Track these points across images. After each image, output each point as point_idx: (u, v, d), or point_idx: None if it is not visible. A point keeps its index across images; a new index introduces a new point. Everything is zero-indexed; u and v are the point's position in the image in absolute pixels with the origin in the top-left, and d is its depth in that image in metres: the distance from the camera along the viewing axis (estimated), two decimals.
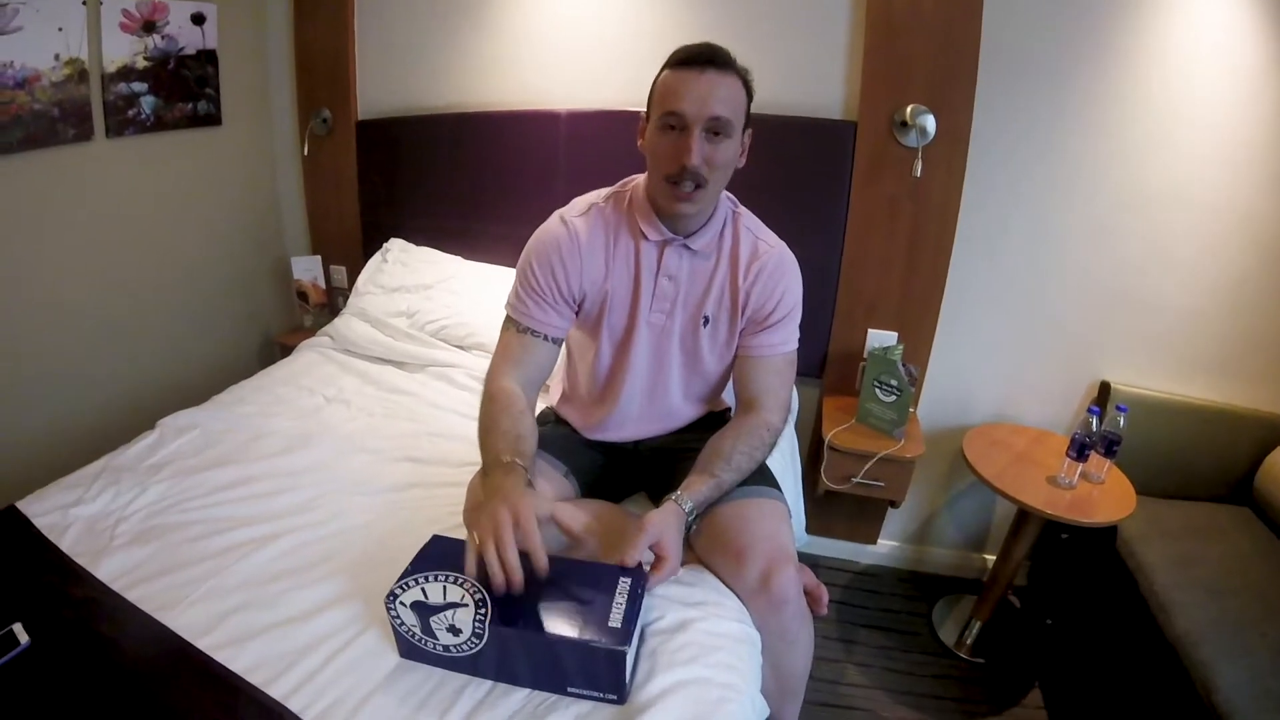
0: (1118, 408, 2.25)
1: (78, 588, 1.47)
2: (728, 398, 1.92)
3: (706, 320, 1.67)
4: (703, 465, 1.56)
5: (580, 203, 1.70)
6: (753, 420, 1.64)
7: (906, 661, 2.54)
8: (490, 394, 1.58)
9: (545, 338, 1.63)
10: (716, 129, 1.46)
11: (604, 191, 1.71)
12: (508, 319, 1.67)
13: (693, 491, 1.50)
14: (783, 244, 1.70)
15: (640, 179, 1.66)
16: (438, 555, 1.36)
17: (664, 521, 1.43)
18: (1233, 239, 2.32)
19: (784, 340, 1.67)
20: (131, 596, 1.44)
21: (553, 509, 1.34)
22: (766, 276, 1.64)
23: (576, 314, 1.69)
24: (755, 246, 1.66)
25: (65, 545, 1.58)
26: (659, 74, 1.52)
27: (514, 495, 1.29)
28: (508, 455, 1.41)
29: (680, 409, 1.81)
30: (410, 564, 1.32)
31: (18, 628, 1.33)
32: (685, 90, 1.44)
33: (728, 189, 1.64)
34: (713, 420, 1.88)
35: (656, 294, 1.65)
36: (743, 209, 1.71)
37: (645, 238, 1.62)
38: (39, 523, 1.64)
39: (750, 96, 1.53)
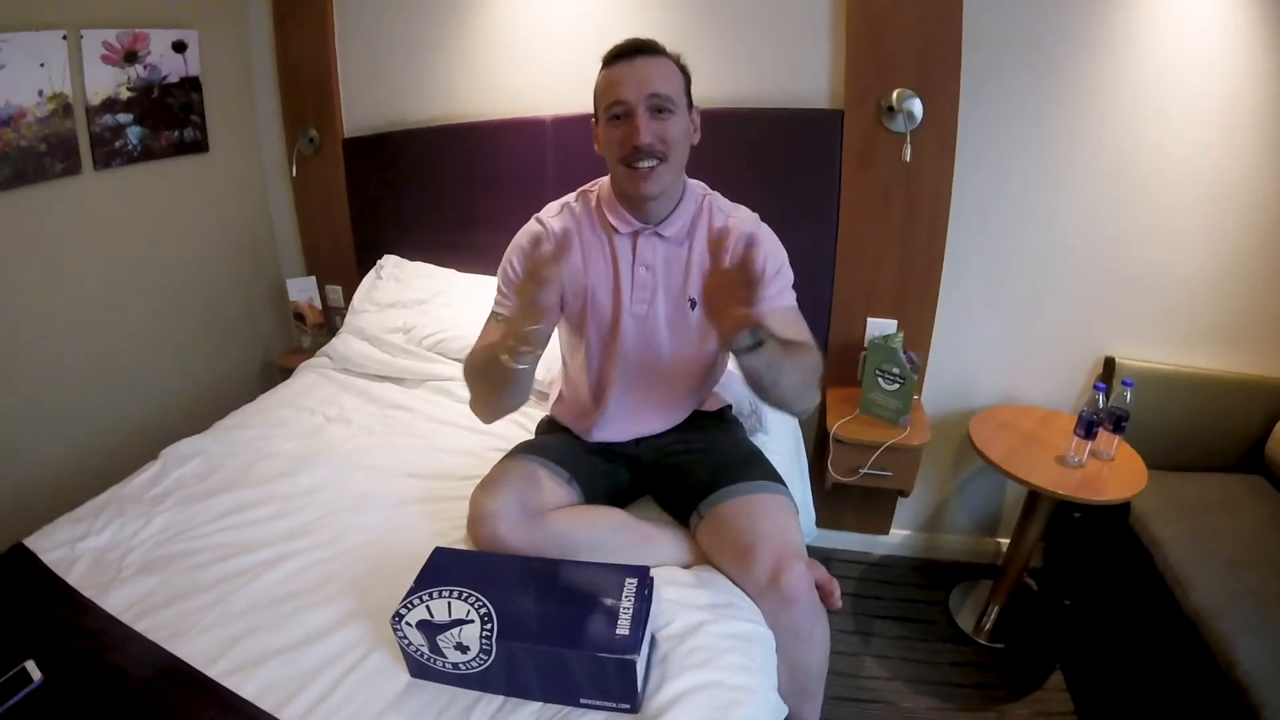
0: (1124, 383, 2.23)
1: (87, 620, 1.47)
2: (725, 394, 1.92)
3: (693, 303, 1.68)
4: None
5: (553, 205, 1.77)
6: None
7: (925, 650, 2.52)
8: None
9: None
10: (659, 105, 1.52)
11: (573, 193, 1.78)
12: (491, 313, 1.72)
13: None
14: (754, 215, 1.74)
15: (605, 179, 1.72)
16: (441, 569, 1.35)
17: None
18: (1230, 207, 2.30)
19: (781, 294, 1.67)
20: (140, 627, 1.44)
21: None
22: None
23: (560, 310, 1.71)
24: (727, 224, 1.68)
25: (73, 579, 1.58)
26: (597, 79, 1.60)
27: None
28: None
29: (675, 400, 1.82)
30: (414, 582, 1.32)
31: (30, 665, 1.33)
32: (622, 79, 1.53)
33: (701, 178, 1.71)
34: (710, 419, 1.89)
35: (635, 284, 1.68)
36: (713, 193, 1.75)
37: (617, 231, 1.66)
38: (46, 558, 1.63)
39: (687, 78, 1.61)
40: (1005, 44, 2.26)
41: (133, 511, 1.81)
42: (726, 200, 1.75)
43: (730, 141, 2.36)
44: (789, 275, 1.70)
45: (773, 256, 1.68)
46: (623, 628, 1.23)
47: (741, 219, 1.70)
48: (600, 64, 1.59)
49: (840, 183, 2.42)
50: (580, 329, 1.74)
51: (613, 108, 1.53)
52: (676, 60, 1.59)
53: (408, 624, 1.25)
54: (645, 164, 1.53)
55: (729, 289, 1.30)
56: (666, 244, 1.67)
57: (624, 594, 1.30)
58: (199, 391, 2.94)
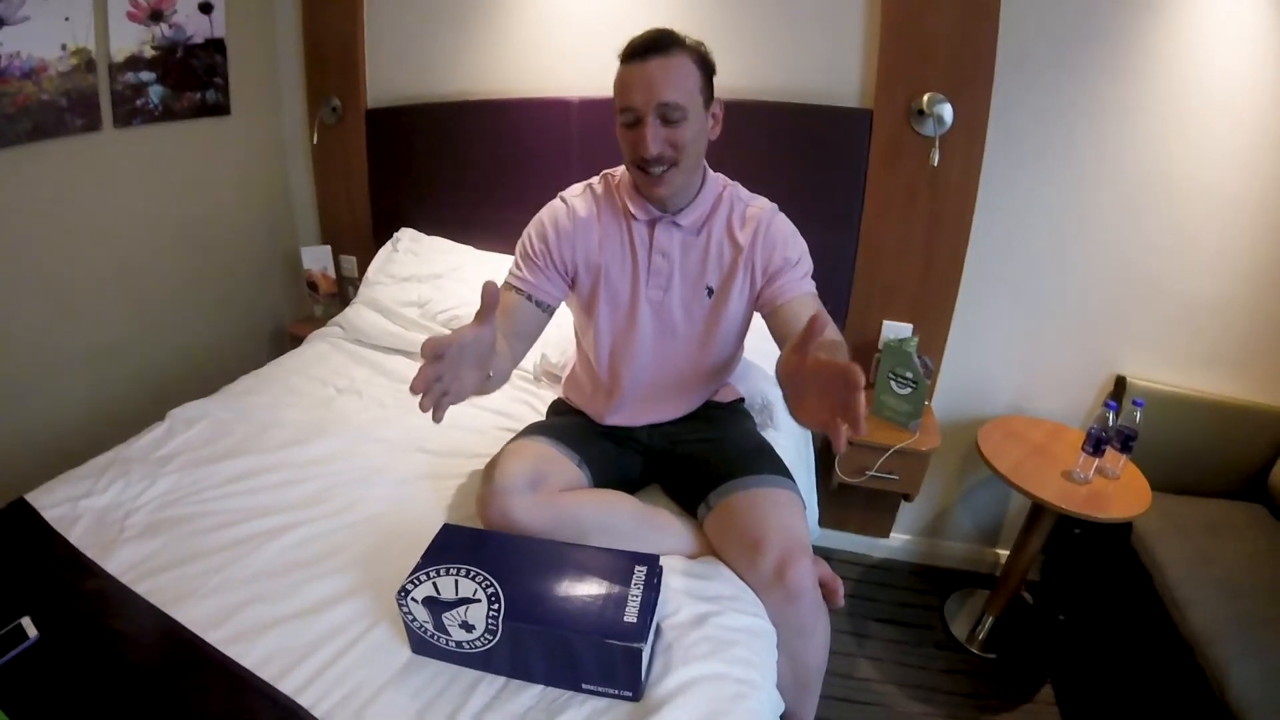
0: (1134, 402, 2.22)
1: (87, 581, 1.46)
2: (740, 386, 1.92)
3: (710, 291, 1.70)
4: None
5: (577, 185, 1.78)
6: None
7: (919, 656, 2.53)
8: None
9: (531, 299, 1.67)
10: (668, 115, 1.50)
11: (598, 175, 1.79)
12: (504, 283, 1.70)
13: None
14: (773, 205, 1.73)
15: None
16: (449, 546, 1.35)
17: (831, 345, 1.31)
18: (1251, 229, 2.29)
19: (805, 280, 1.67)
20: (141, 589, 1.44)
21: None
22: (765, 230, 1.66)
23: (570, 285, 1.73)
24: (745, 212, 1.69)
25: (74, 538, 1.57)
26: (616, 72, 1.56)
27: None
28: None
29: (690, 387, 1.82)
30: (422, 558, 1.31)
31: (26, 621, 1.33)
32: (633, 83, 1.50)
33: (725, 169, 1.72)
34: (722, 410, 1.89)
35: (652, 270, 1.69)
36: (732, 182, 1.75)
37: (635, 218, 1.68)
38: (48, 515, 1.63)
39: (708, 70, 1.56)
40: (1037, 56, 2.25)
41: (137, 472, 1.80)
42: (744, 189, 1.75)
43: (756, 134, 2.36)
44: (809, 263, 1.70)
45: (791, 238, 1.68)
46: (630, 615, 1.22)
47: (760, 207, 1.70)
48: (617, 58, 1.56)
49: (865, 183, 2.41)
50: (590, 308, 1.75)
51: (623, 113, 1.53)
52: (696, 51, 1.53)
53: (413, 600, 1.24)
54: (656, 170, 1.54)
55: (823, 382, 1.08)
56: (684, 232, 1.68)
57: (633, 581, 1.29)
58: (208, 354, 2.94)
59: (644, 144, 1.50)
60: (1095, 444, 2.18)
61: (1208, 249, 2.34)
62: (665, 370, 1.78)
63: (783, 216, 1.71)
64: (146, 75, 2.48)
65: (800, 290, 1.64)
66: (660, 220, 1.66)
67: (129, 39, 2.40)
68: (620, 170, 1.74)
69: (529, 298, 1.67)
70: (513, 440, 1.71)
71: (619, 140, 1.59)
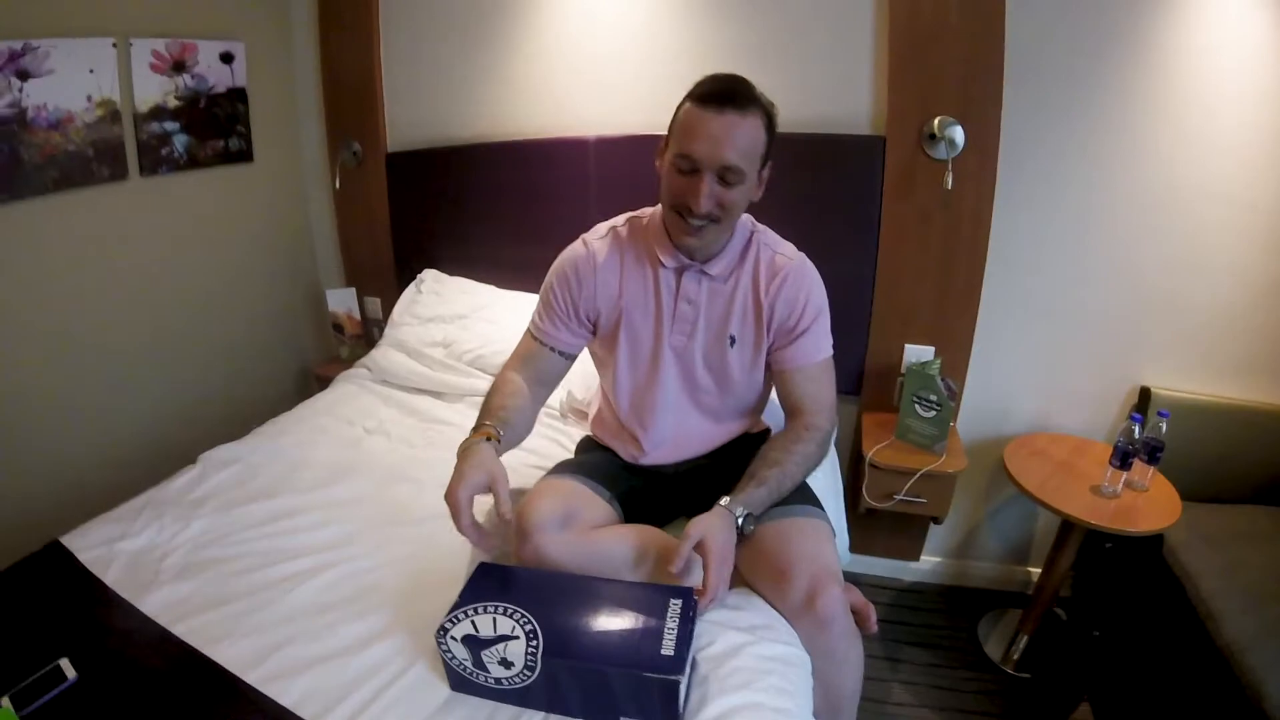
0: (1159, 413, 2.21)
1: (124, 621, 1.48)
2: (767, 418, 1.92)
3: (733, 340, 1.69)
4: (750, 471, 1.57)
5: (601, 227, 1.76)
6: (797, 425, 1.67)
7: (953, 678, 2.50)
8: (496, 383, 1.69)
9: (553, 350, 1.72)
10: (727, 177, 1.48)
11: (625, 215, 1.77)
12: (527, 330, 1.78)
13: (740, 494, 1.51)
14: (801, 255, 1.72)
15: (656, 210, 1.70)
16: (486, 584, 1.36)
17: (706, 522, 1.44)
18: (1270, 235, 2.29)
19: (817, 348, 1.68)
20: (178, 630, 1.45)
21: (492, 482, 1.41)
22: (788, 287, 1.65)
23: (593, 332, 1.75)
24: (773, 260, 1.68)
25: (110, 579, 1.59)
26: (682, 103, 1.53)
27: (457, 477, 1.41)
28: (487, 419, 1.55)
29: (713, 430, 1.83)
30: (460, 596, 1.32)
31: (65, 663, 1.34)
32: (701, 132, 1.45)
33: (748, 210, 1.67)
34: (750, 442, 1.87)
35: (677, 317, 1.68)
36: (760, 226, 1.74)
37: (662, 264, 1.66)
38: (83, 557, 1.65)
39: (772, 132, 1.53)
40: (1046, 72, 2.27)
41: (171, 514, 1.82)
42: (773, 234, 1.74)
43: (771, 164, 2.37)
44: (827, 321, 1.70)
45: (813, 299, 1.67)
46: (667, 648, 1.23)
47: (788, 257, 1.69)
48: (687, 93, 1.52)
49: (880, 208, 2.42)
50: (610, 349, 1.76)
51: (681, 159, 1.49)
52: (767, 111, 1.51)
53: (452, 638, 1.25)
54: (696, 223, 1.52)
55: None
56: (712, 281, 1.67)
57: (669, 614, 1.30)
58: (237, 398, 2.97)
59: (696, 199, 1.47)
60: (1122, 457, 2.17)
61: (1224, 256, 2.34)
62: (689, 415, 1.78)
63: (810, 270, 1.70)
64: (171, 125, 2.53)
65: (807, 362, 1.67)
66: (689, 269, 1.65)
67: (153, 90, 2.45)
68: (650, 214, 1.73)
69: (553, 349, 1.71)
70: (544, 478, 1.71)
71: (663, 176, 1.57)
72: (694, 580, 1.43)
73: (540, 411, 1.79)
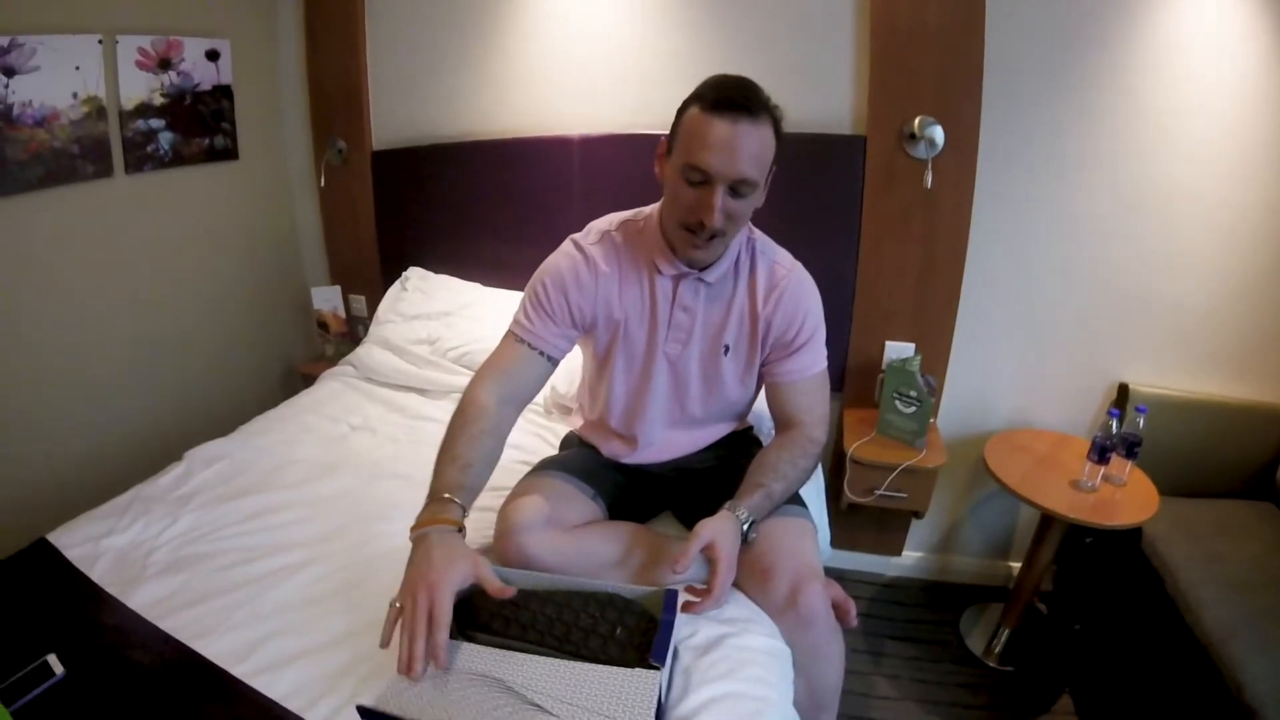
0: (1137, 409, 2.24)
1: (111, 617, 1.48)
2: (750, 417, 1.93)
3: (727, 349, 1.68)
4: (752, 477, 1.57)
5: (594, 230, 1.69)
6: (795, 434, 1.66)
7: (935, 672, 2.53)
8: (462, 404, 1.56)
9: (542, 354, 1.62)
10: (740, 189, 1.42)
11: (616, 218, 1.70)
12: (509, 332, 1.65)
13: (746, 500, 1.51)
14: (798, 264, 1.70)
15: (653, 210, 1.65)
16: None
17: (716, 526, 1.44)
18: (1245, 232, 2.32)
19: (813, 362, 1.68)
20: (165, 625, 1.45)
21: (478, 574, 1.26)
22: (786, 301, 1.64)
23: (586, 335, 1.72)
24: (772, 270, 1.65)
25: (96, 576, 1.59)
26: (688, 106, 1.44)
27: (434, 572, 1.23)
28: (448, 490, 1.39)
29: (701, 433, 1.83)
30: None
31: (52, 659, 1.34)
32: (713, 142, 1.37)
33: None
34: (735, 440, 1.90)
35: (672, 324, 1.65)
36: (756, 232, 1.70)
37: (659, 272, 1.62)
38: (70, 554, 1.65)
39: (780, 137, 1.47)
40: (1025, 71, 2.29)
41: (158, 511, 1.82)
42: (768, 240, 1.71)
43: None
44: (823, 334, 1.69)
45: (811, 314, 1.66)
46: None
47: (785, 266, 1.67)
48: (693, 94, 1.44)
49: (861, 207, 2.44)
50: (607, 359, 1.73)
51: (691, 171, 1.40)
52: (775, 117, 1.44)
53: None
54: (703, 236, 1.46)
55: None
56: (709, 289, 1.64)
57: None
58: (221, 395, 2.97)
59: (710, 213, 1.40)
60: (1100, 452, 2.20)
61: (1201, 254, 2.37)
62: (679, 419, 1.78)
63: (808, 283, 1.68)
64: (156, 122, 2.53)
65: (803, 377, 1.67)
66: (686, 276, 1.61)
67: (139, 87, 2.45)
68: (645, 218, 1.66)
69: (540, 352, 1.61)
70: (527, 476, 1.72)
71: (667, 184, 1.51)
72: (690, 578, 1.45)
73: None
